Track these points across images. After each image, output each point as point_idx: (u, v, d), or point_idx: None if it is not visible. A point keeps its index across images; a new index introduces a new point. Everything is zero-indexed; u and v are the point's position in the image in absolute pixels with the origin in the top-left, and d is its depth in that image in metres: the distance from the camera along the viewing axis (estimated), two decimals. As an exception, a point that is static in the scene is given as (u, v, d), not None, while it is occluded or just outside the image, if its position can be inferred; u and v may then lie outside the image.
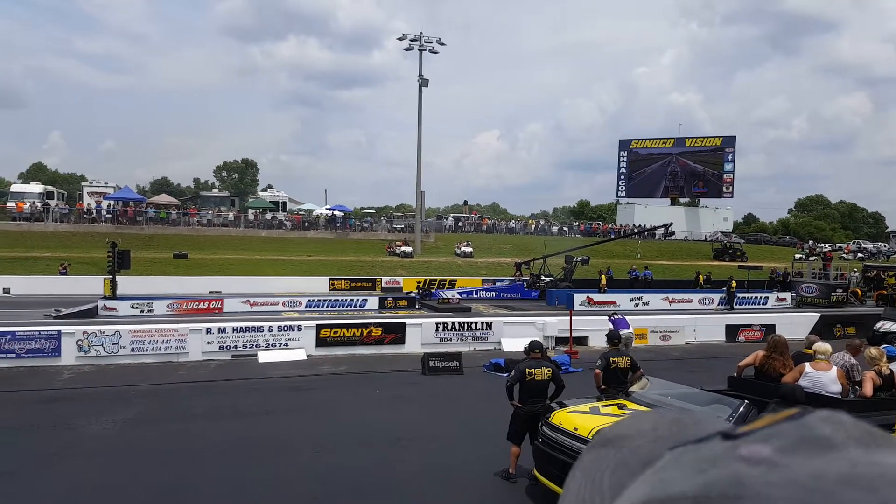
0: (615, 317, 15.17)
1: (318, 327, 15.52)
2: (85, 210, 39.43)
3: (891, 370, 6.92)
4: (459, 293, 25.35)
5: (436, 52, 39.47)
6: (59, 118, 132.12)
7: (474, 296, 26.29)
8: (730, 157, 55.24)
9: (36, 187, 41.67)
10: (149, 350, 14.01)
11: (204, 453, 8.01)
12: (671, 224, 37.41)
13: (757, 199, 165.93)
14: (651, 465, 0.34)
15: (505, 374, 10.12)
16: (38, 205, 37.72)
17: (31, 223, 35.68)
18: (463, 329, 16.77)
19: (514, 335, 16.26)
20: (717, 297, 24.57)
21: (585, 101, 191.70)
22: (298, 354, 14.79)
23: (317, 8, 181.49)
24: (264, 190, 57.75)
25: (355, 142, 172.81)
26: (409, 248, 38.15)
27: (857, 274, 33.87)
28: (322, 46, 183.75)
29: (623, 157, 58.51)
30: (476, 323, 17.13)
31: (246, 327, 15.00)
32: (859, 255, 51.28)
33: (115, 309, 18.64)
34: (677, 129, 62.84)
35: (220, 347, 14.56)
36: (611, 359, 7.80)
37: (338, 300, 22.55)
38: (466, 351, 15.20)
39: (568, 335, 16.27)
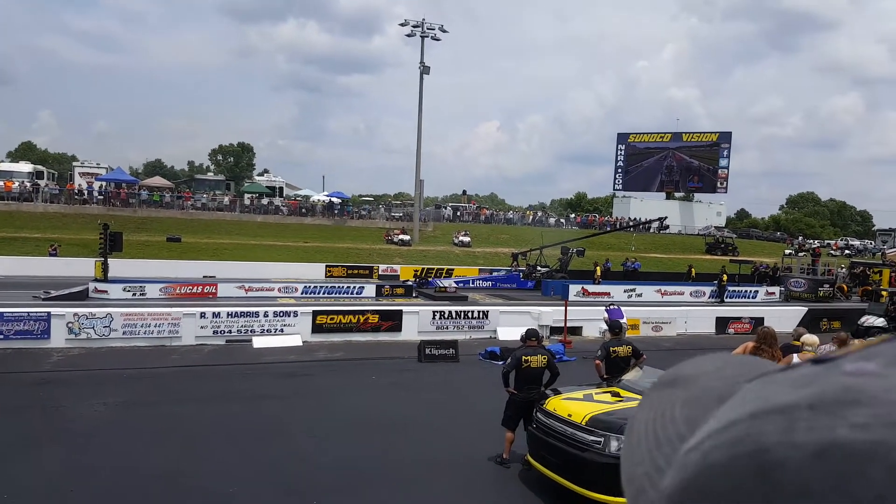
0: (611, 307, 15.20)
1: (315, 313, 15.44)
2: (76, 191, 38.67)
3: None
4: (456, 282, 25.32)
5: (438, 40, 39.10)
6: (49, 97, 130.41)
7: (471, 285, 26.35)
8: (725, 153, 55.34)
9: (25, 166, 40.91)
10: (141, 333, 13.86)
11: (196, 437, 7.93)
12: (666, 218, 37.43)
13: (750, 195, 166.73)
14: (724, 400, 0.34)
15: (500, 363, 10.09)
16: (28, 184, 37.04)
17: (20, 203, 35.01)
18: (459, 317, 16.74)
19: (510, 324, 16.27)
20: (707, 289, 24.72)
21: (586, 93, 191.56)
22: (294, 340, 14.71)
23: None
24: (260, 174, 57.18)
25: (354, 128, 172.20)
26: (406, 237, 38.02)
27: (843, 270, 34.22)
28: (322, 30, 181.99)
29: (621, 150, 58.42)
30: (472, 311, 17.10)
31: (241, 312, 14.87)
32: (846, 251, 51.70)
33: (106, 291, 18.43)
34: (675, 124, 62.76)
35: (214, 332, 14.44)
36: (611, 348, 7.82)
37: (334, 287, 22.42)
38: (462, 339, 15.18)
39: (563, 325, 16.30)
